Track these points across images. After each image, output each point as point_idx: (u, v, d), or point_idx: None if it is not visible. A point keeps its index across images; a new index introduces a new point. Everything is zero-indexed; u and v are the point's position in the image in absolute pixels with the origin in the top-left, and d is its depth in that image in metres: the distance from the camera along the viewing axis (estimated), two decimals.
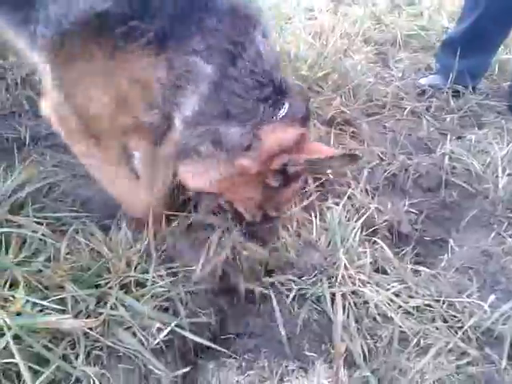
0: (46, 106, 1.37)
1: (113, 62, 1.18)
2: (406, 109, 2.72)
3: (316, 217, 1.81)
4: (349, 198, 2.00)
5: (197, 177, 1.39)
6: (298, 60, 2.63)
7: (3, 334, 1.13)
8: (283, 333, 1.48)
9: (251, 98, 1.26)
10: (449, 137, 2.45)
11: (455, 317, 1.56)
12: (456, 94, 2.90)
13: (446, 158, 2.30)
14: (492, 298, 1.59)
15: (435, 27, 3.74)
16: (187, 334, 1.36)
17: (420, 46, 3.63)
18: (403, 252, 1.88)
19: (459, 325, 1.54)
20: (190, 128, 1.30)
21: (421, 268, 1.78)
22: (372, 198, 2.09)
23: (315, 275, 1.61)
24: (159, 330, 1.30)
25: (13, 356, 1.11)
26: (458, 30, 2.99)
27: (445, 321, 1.56)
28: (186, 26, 1.18)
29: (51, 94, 1.32)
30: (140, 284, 1.38)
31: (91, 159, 1.42)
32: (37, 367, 1.14)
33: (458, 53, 2.79)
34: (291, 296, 1.56)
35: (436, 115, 2.76)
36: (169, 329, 1.32)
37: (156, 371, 1.26)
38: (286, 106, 1.33)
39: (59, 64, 1.24)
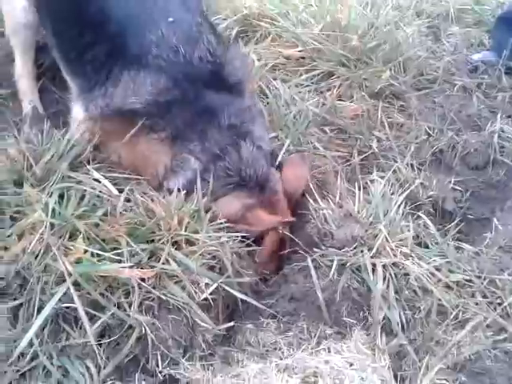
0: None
1: (135, 140, 1.66)
2: (456, 84, 2.67)
3: (360, 189, 1.82)
4: (394, 172, 2.01)
5: None
6: (349, 30, 2.60)
7: (64, 281, 1.21)
8: (321, 298, 1.51)
9: (218, 185, 1.65)
10: (499, 115, 2.40)
11: (495, 293, 1.57)
12: (509, 72, 2.82)
13: (495, 136, 2.26)
14: None
15: (490, 2, 3.60)
16: (233, 291, 1.41)
17: (473, 20, 3.50)
18: (446, 228, 1.88)
19: (499, 301, 1.55)
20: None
21: (463, 245, 1.78)
22: (418, 173, 2.09)
23: (355, 247, 1.63)
24: (207, 285, 1.37)
25: (72, 301, 1.20)
26: None
27: (484, 296, 1.57)
28: (191, 133, 1.68)
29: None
30: (190, 242, 1.44)
31: None
32: (94, 312, 1.22)
33: None
34: (331, 265, 1.58)
35: (487, 92, 2.70)
36: (215, 285, 1.38)
37: (202, 324, 1.33)
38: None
39: (96, 127, 1.71)
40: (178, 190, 1.61)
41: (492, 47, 3.01)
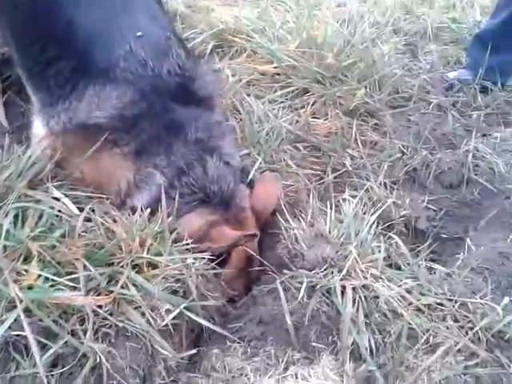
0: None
1: (98, 155, 1.62)
2: (431, 103, 2.68)
3: (331, 208, 1.79)
4: (366, 190, 1.99)
5: None
6: (325, 48, 2.59)
7: (15, 307, 1.15)
8: (289, 322, 1.47)
9: (183, 202, 1.62)
10: (474, 134, 2.40)
11: (467, 317, 1.53)
12: (484, 90, 2.84)
13: (470, 155, 2.26)
14: (506, 300, 1.56)
15: (467, 20, 3.65)
16: (195, 317, 1.37)
17: (450, 38, 3.54)
18: (419, 248, 1.86)
19: (470, 325, 1.51)
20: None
21: (435, 266, 1.75)
22: (390, 192, 2.07)
23: (326, 268, 1.59)
24: (168, 311, 1.31)
25: (22, 329, 1.14)
26: (490, 25, 2.92)
27: (456, 320, 1.53)
28: (157, 147, 1.65)
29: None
30: (152, 265, 1.39)
31: None
32: (45, 341, 1.16)
33: (489, 48, 2.72)
34: (301, 287, 1.54)
35: (462, 111, 2.71)
36: (177, 311, 1.33)
37: (163, 351, 1.28)
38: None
39: (58, 144, 1.67)
40: (142, 209, 1.56)
41: (468, 65, 3.03)
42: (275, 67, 2.56)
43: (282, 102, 2.40)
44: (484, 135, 2.51)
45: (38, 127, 1.73)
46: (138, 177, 1.64)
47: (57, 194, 1.46)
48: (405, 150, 2.32)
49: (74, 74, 1.64)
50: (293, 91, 2.47)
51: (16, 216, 1.36)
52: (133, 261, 1.34)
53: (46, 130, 1.69)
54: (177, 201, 1.57)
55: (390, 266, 1.70)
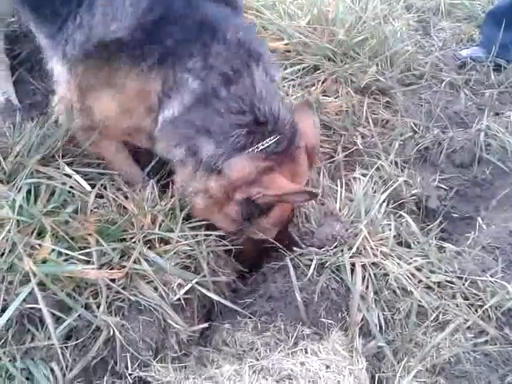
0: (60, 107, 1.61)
1: (123, 76, 1.43)
2: (444, 81, 2.64)
3: (342, 187, 1.79)
4: (377, 169, 1.99)
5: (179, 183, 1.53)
6: (336, 24, 2.56)
7: (29, 281, 1.17)
8: (299, 298, 1.48)
9: (232, 122, 1.41)
10: (486, 112, 2.37)
11: (476, 295, 1.54)
12: (497, 68, 2.80)
13: (482, 134, 2.24)
14: None
15: None
16: (207, 292, 1.38)
17: (463, 15, 3.48)
18: (429, 227, 1.86)
19: (480, 303, 1.52)
20: (169, 128, 1.46)
21: (446, 244, 1.76)
22: (402, 170, 2.06)
23: (336, 246, 1.59)
24: (180, 286, 1.33)
25: (37, 302, 1.16)
26: (504, 2, 2.86)
27: (465, 298, 1.54)
28: (188, 48, 1.40)
29: (66, 97, 1.56)
30: (164, 241, 1.40)
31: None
32: (59, 314, 1.18)
33: (503, 25, 2.67)
34: (311, 265, 1.54)
35: (475, 89, 2.67)
36: (189, 285, 1.34)
37: (175, 325, 1.30)
38: (269, 140, 1.43)
39: (80, 75, 1.48)
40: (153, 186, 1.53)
41: (481, 43, 2.98)
42: (286, 44, 2.53)
43: (292, 79, 2.38)
44: (496, 114, 2.48)
45: (58, 67, 1.54)
46: (166, 86, 1.43)
47: (68, 170, 1.47)
48: (416, 129, 2.30)
49: None
50: (304, 68, 2.44)
51: (29, 192, 1.37)
52: (145, 236, 1.36)
53: (66, 66, 1.49)
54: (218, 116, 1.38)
55: (400, 244, 1.70)
